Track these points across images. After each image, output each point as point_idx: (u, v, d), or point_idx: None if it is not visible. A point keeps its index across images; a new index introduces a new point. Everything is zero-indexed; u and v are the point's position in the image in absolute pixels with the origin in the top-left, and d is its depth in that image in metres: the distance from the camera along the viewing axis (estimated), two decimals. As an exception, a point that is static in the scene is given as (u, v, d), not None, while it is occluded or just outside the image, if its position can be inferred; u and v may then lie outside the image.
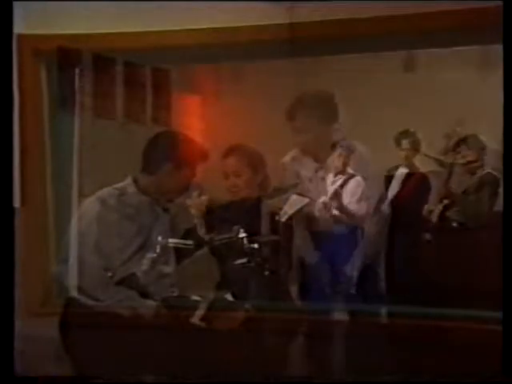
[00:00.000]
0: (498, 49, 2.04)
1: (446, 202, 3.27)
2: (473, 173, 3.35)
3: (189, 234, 2.64)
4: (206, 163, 2.68)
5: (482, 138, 3.35)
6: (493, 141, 3.21)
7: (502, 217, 1.95)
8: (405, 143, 3.62)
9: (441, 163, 3.50)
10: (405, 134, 3.61)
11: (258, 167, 2.73)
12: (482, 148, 3.36)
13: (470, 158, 3.36)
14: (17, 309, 2.11)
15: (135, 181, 2.59)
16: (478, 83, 3.20)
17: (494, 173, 3.27)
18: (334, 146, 2.76)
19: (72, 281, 2.47)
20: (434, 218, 3.25)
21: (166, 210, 2.63)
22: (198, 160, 2.62)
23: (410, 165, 3.63)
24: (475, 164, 3.35)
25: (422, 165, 3.57)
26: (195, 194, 2.66)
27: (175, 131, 2.83)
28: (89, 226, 2.49)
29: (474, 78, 3.22)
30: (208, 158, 2.64)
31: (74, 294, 2.47)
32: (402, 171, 3.61)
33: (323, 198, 2.70)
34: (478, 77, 3.18)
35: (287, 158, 2.82)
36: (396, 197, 3.42)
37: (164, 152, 2.57)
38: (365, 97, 3.44)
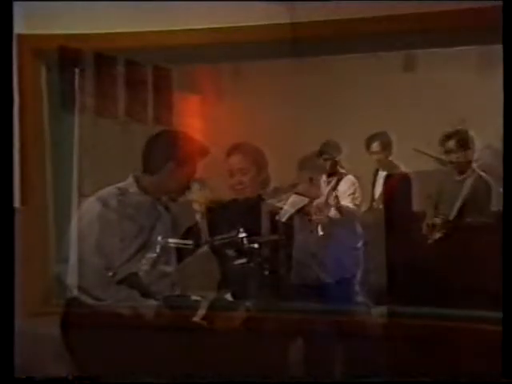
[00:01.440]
0: (497, 49, 2.04)
1: (440, 235, 3.18)
2: (462, 172, 3.31)
3: (189, 232, 2.63)
4: (208, 162, 2.68)
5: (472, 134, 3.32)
6: (493, 140, 3.21)
7: (502, 217, 1.95)
8: (375, 146, 3.57)
9: (441, 162, 3.47)
10: (373, 137, 3.56)
11: (261, 165, 2.73)
12: (472, 146, 3.33)
13: (470, 158, 3.32)
14: (17, 309, 2.11)
15: (137, 180, 2.59)
16: (477, 83, 3.20)
17: (486, 177, 3.24)
18: (320, 153, 2.79)
19: (73, 280, 2.47)
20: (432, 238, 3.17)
21: (167, 208, 2.63)
22: (199, 156, 2.62)
23: (385, 166, 3.59)
24: (467, 163, 3.32)
25: (422, 164, 3.55)
26: (196, 186, 2.65)
27: (173, 130, 2.82)
28: (90, 225, 2.49)
29: (473, 78, 3.22)
30: (208, 153, 2.63)
31: (75, 293, 2.47)
32: (382, 173, 3.59)
33: (317, 201, 2.71)
34: (477, 77, 3.18)
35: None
36: (380, 198, 3.42)
37: (164, 152, 2.57)
38: (364, 96, 3.44)
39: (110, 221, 2.49)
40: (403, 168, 3.55)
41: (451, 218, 3.10)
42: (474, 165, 3.25)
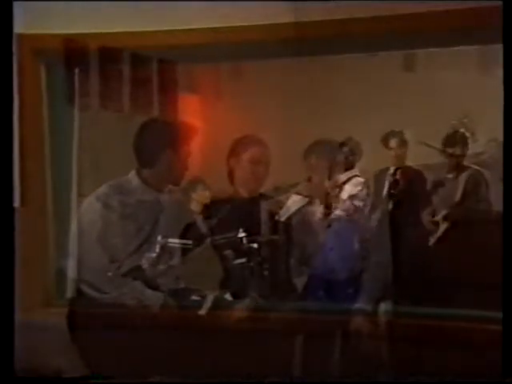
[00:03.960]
0: (498, 49, 2.04)
1: (447, 225, 3.19)
2: (456, 168, 3.31)
3: (189, 230, 2.62)
4: (208, 162, 2.68)
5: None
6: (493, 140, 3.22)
7: (501, 216, 1.95)
8: (393, 142, 3.58)
9: (446, 154, 3.45)
10: (392, 133, 3.57)
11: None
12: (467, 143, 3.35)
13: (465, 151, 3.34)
14: (17, 309, 2.11)
15: (138, 173, 2.57)
16: (477, 83, 3.20)
17: (480, 169, 3.26)
18: (341, 146, 2.78)
19: (77, 275, 2.48)
20: (438, 235, 3.18)
21: (170, 198, 2.60)
22: (191, 136, 2.59)
23: (400, 164, 3.59)
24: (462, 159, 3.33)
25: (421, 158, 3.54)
26: (200, 187, 2.64)
27: (157, 118, 2.77)
28: (93, 221, 2.48)
29: (473, 78, 3.22)
30: (198, 130, 2.62)
31: (80, 287, 2.48)
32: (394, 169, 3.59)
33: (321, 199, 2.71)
34: (477, 77, 3.18)
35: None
36: (391, 194, 3.41)
37: (157, 142, 2.54)
38: (364, 96, 3.44)
39: (112, 214, 2.48)
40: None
41: (456, 199, 3.11)
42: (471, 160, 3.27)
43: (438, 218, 3.15)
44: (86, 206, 2.55)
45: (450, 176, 3.35)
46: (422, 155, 3.44)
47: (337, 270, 2.66)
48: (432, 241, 3.06)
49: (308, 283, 2.72)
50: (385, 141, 3.56)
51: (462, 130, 3.36)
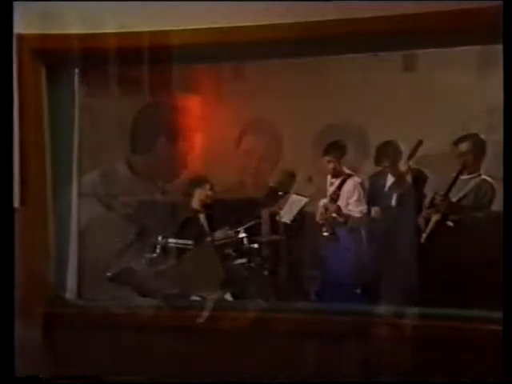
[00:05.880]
0: (498, 49, 2.05)
1: (437, 217, 3.17)
2: (464, 169, 3.29)
3: (187, 227, 2.61)
4: (209, 160, 2.67)
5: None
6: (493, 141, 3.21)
7: (501, 216, 1.95)
8: (385, 161, 3.48)
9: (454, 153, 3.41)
10: (384, 147, 3.48)
11: (278, 158, 2.70)
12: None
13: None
14: (17, 309, 2.11)
15: (128, 162, 2.50)
16: (477, 83, 3.20)
17: (490, 180, 3.23)
18: (325, 151, 2.76)
19: (58, 279, 2.47)
20: (429, 228, 3.15)
21: (163, 194, 2.55)
22: (189, 132, 2.54)
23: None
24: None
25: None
26: (207, 186, 2.62)
27: (158, 103, 2.70)
28: (76, 218, 2.44)
29: (474, 78, 3.22)
30: (197, 128, 2.59)
31: (64, 293, 2.46)
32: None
33: (323, 200, 2.70)
34: (477, 77, 3.18)
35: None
36: (393, 193, 3.40)
37: (153, 126, 2.47)
38: (364, 96, 3.44)
39: (97, 212, 2.43)
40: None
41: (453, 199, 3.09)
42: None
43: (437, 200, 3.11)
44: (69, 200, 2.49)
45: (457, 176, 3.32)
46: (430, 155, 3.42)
47: (353, 272, 2.64)
48: (424, 236, 3.04)
49: (322, 286, 2.69)
50: (377, 160, 3.47)
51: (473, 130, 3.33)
